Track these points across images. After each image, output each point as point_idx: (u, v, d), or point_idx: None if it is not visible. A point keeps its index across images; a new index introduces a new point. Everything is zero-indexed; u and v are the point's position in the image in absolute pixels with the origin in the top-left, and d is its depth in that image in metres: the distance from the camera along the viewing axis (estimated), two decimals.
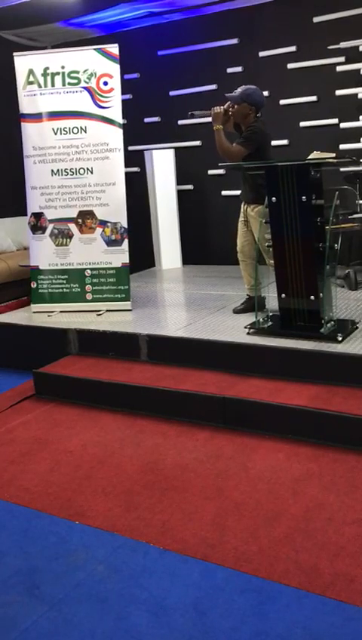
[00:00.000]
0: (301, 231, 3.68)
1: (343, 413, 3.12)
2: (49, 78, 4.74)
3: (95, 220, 4.80)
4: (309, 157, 3.76)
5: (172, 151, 6.68)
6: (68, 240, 4.85)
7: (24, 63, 4.77)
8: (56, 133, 4.76)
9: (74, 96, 4.72)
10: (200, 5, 6.03)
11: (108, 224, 4.78)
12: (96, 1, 5.84)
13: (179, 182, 6.80)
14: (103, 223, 4.79)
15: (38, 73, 4.75)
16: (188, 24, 6.52)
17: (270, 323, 4.04)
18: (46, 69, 4.73)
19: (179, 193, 6.82)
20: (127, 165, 4.99)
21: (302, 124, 6.10)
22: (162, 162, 6.64)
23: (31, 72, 4.76)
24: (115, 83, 4.69)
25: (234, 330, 4.09)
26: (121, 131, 4.72)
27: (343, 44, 5.76)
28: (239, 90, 4.15)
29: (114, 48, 4.67)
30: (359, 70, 5.74)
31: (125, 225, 4.78)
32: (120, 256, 4.81)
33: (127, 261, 4.82)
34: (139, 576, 2.27)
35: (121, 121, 4.72)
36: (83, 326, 4.43)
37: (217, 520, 2.56)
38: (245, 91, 4.14)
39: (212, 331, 4.10)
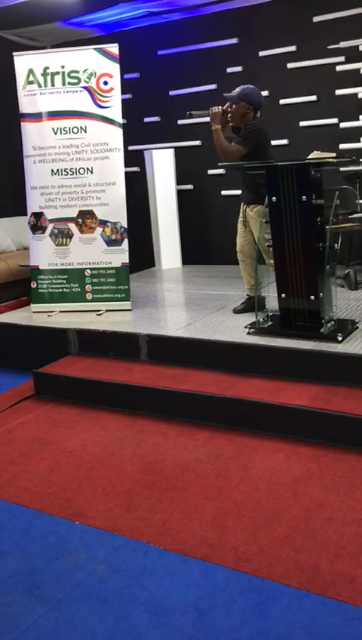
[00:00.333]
0: (301, 231, 3.68)
1: (343, 413, 3.12)
2: (49, 78, 4.74)
3: (95, 219, 4.79)
4: (309, 157, 3.76)
5: (172, 151, 6.68)
6: (68, 240, 4.85)
7: (24, 62, 4.77)
8: (56, 133, 4.76)
9: (74, 96, 4.72)
10: (200, 5, 6.03)
11: (108, 224, 4.78)
12: (96, 0, 5.84)
13: (178, 182, 6.80)
14: (103, 223, 4.79)
15: (38, 73, 4.75)
16: (188, 24, 6.52)
17: (270, 323, 4.04)
18: (46, 68, 4.73)
19: (179, 193, 6.82)
20: (126, 165, 4.98)
21: (302, 123, 6.10)
22: (162, 162, 6.64)
23: (31, 71, 4.75)
24: (115, 83, 4.69)
25: (234, 330, 4.09)
26: (120, 131, 4.72)
27: (343, 44, 5.76)
28: (237, 89, 4.16)
29: (114, 48, 4.67)
30: (359, 70, 5.74)
31: (125, 225, 4.78)
32: (120, 256, 4.80)
33: (127, 261, 4.82)
34: (139, 576, 2.27)
35: (120, 120, 4.72)
36: (83, 326, 4.43)
37: (217, 520, 2.56)
38: (243, 91, 4.14)
39: (212, 331, 4.09)
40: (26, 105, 4.81)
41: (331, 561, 2.25)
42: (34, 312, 4.93)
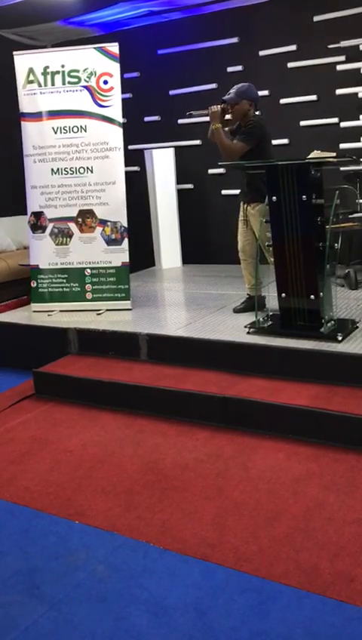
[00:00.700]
0: (301, 230, 3.68)
1: (343, 413, 3.12)
2: (49, 77, 4.74)
3: (95, 219, 4.79)
4: (309, 156, 3.76)
5: (172, 150, 6.67)
6: (68, 239, 4.85)
7: (24, 61, 4.76)
8: (56, 132, 4.76)
9: (74, 95, 4.71)
10: (200, 4, 6.03)
11: (108, 223, 4.78)
12: (96, 0, 5.84)
13: (179, 181, 6.80)
14: (103, 222, 4.78)
15: (38, 72, 4.74)
16: (188, 23, 6.52)
17: (270, 322, 4.04)
18: (46, 67, 4.73)
19: (179, 192, 6.81)
20: (126, 164, 4.98)
21: (302, 123, 6.10)
22: (162, 161, 6.64)
23: (31, 70, 4.75)
24: (115, 82, 4.68)
25: (234, 329, 4.09)
26: (120, 130, 4.72)
27: (343, 43, 5.75)
28: (233, 90, 4.16)
29: (114, 47, 4.67)
30: (359, 69, 5.73)
31: (125, 224, 4.78)
32: (120, 255, 4.80)
33: (127, 260, 4.82)
34: (139, 576, 2.26)
35: (121, 120, 4.71)
36: (83, 325, 4.43)
37: (217, 520, 2.56)
38: (240, 89, 4.16)
39: (212, 331, 4.09)
40: (26, 104, 4.81)
41: (331, 561, 2.25)
42: (34, 311, 4.93)
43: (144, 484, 2.88)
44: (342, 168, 5.33)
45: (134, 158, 6.85)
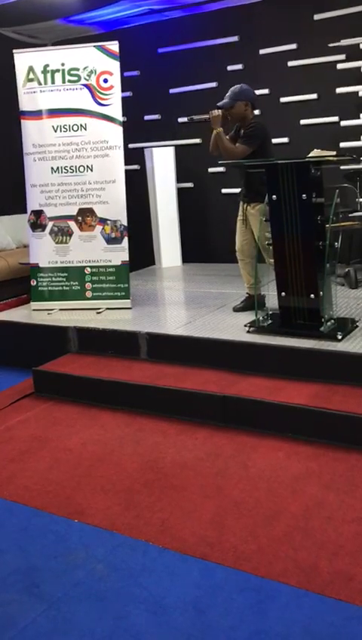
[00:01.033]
0: (301, 229, 3.68)
1: (343, 412, 3.12)
2: (49, 76, 4.73)
3: (95, 217, 4.79)
4: (309, 155, 3.76)
5: (172, 148, 6.67)
6: (68, 238, 4.84)
7: (24, 60, 4.76)
8: (56, 131, 4.75)
9: (74, 94, 4.71)
10: (201, 3, 6.03)
11: (108, 222, 4.77)
12: None
13: (179, 180, 6.79)
14: (103, 221, 4.78)
15: (38, 70, 4.73)
16: (189, 22, 6.51)
17: (270, 321, 4.03)
18: (46, 66, 4.72)
19: (179, 191, 6.81)
20: (127, 163, 4.97)
21: (303, 121, 6.09)
22: (162, 160, 6.63)
23: (31, 69, 4.74)
24: (115, 80, 4.68)
25: (234, 328, 4.08)
26: (120, 129, 4.71)
27: (344, 42, 5.75)
28: (227, 94, 4.16)
29: (114, 46, 4.66)
30: (359, 68, 5.73)
31: (125, 223, 4.77)
32: (120, 254, 4.80)
33: (127, 259, 4.81)
34: (138, 575, 2.26)
35: (121, 118, 4.70)
36: (83, 324, 4.43)
37: (216, 519, 2.56)
38: (233, 91, 4.15)
39: (212, 330, 4.09)
40: (26, 102, 4.80)
41: (330, 560, 2.25)
42: (34, 310, 4.92)
43: (143, 482, 2.88)
44: (342, 167, 5.32)
45: (134, 156, 6.84)
